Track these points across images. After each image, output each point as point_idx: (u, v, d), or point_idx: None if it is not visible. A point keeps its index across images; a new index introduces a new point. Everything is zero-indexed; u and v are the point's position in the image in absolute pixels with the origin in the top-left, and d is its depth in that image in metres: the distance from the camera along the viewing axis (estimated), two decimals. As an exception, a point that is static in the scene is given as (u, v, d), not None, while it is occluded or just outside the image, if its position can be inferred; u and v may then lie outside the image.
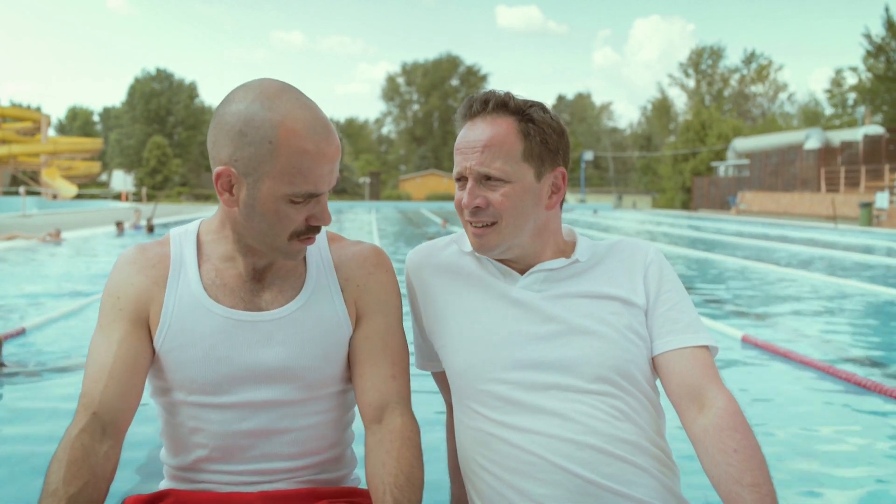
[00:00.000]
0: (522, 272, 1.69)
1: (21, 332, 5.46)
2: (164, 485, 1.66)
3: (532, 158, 1.62)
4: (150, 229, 17.20)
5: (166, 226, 19.64)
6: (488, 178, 1.61)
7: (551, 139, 1.64)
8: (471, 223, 1.65)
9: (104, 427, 1.47)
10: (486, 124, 1.63)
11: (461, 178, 1.66)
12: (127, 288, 1.58)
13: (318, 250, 1.67)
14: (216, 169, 1.47)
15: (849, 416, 3.81)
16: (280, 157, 1.42)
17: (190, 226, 1.67)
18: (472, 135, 1.63)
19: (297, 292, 1.61)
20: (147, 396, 1.64)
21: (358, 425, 1.75)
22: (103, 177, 72.15)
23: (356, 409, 1.74)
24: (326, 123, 1.47)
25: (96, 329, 1.58)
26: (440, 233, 19.66)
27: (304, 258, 1.66)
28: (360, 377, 1.64)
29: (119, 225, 17.57)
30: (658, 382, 1.68)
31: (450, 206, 41.93)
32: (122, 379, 1.51)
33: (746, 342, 5.34)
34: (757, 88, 78.59)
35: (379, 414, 1.60)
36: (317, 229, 1.53)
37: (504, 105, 1.63)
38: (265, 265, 1.61)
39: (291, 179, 1.43)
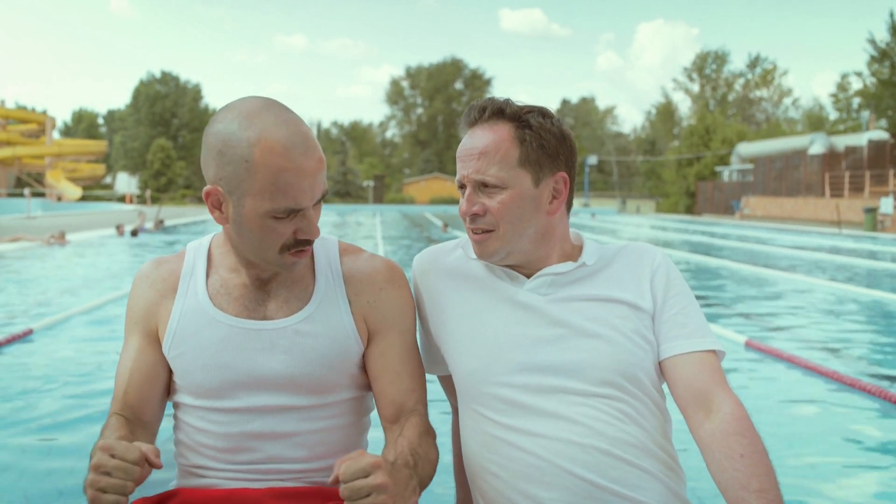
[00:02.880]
0: (529, 276, 1.70)
1: (28, 334, 5.48)
2: (173, 485, 1.69)
3: (529, 164, 1.63)
4: (134, 233, 17.18)
5: (169, 230, 19.68)
6: (485, 185, 1.62)
7: (549, 144, 1.64)
8: (471, 230, 1.67)
9: (132, 425, 1.60)
10: (483, 132, 1.64)
11: (462, 186, 1.68)
12: (139, 302, 1.67)
13: (328, 262, 1.68)
14: (205, 188, 1.51)
15: (852, 422, 3.80)
16: (257, 175, 1.43)
17: (204, 239, 1.73)
18: (470, 143, 1.65)
19: (304, 303, 1.63)
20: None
21: (372, 434, 1.77)
22: (107, 179, 72.27)
23: (370, 416, 1.76)
24: (306, 139, 1.46)
25: (124, 339, 1.69)
26: (442, 236, 19.66)
27: (313, 269, 1.67)
28: (380, 393, 1.68)
29: (119, 228, 17.48)
30: (665, 387, 1.69)
31: (453, 210, 41.92)
32: (140, 387, 1.64)
33: (750, 347, 5.33)
34: (761, 93, 78.58)
35: (397, 417, 1.66)
36: (307, 242, 1.54)
37: (500, 112, 1.65)
38: (270, 275, 1.63)
39: (271, 197, 1.44)
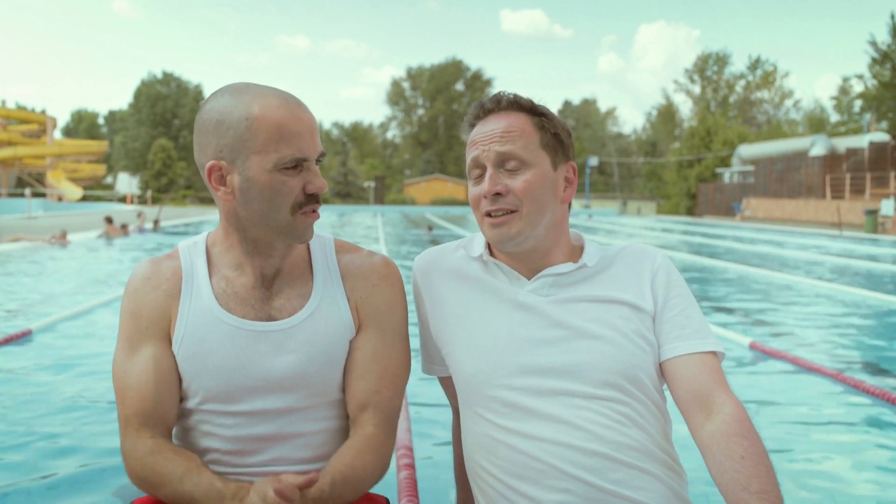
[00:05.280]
0: (530, 276, 1.70)
1: (27, 334, 5.48)
2: None
3: (548, 148, 1.65)
4: (115, 227, 16.99)
5: (175, 234, 19.68)
6: (509, 162, 1.62)
7: (563, 134, 1.68)
8: (490, 213, 1.64)
9: (153, 432, 1.56)
10: (500, 118, 1.66)
11: (478, 168, 1.66)
12: (146, 305, 1.61)
13: (325, 259, 1.69)
14: (207, 165, 1.53)
15: (856, 423, 3.80)
16: (259, 130, 1.48)
17: (198, 238, 1.70)
18: (489, 126, 1.65)
19: (306, 300, 1.63)
20: None
21: None
22: (108, 179, 72.34)
23: None
24: (296, 97, 1.55)
25: (122, 350, 1.62)
26: (442, 238, 19.66)
27: (311, 266, 1.67)
28: (347, 387, 1.66)
29: (110, 226, 17.21)
30: (665, 388, 1.68)
31: (454, 211, 41.94)
32: (168, 396, 1.58)
33: (754, 348, 5.33)
34: (762, 95, 78.62)
35: (355, 418, 1.64)
36: (315, 199, 1.56)
37: (516, 102, 1.67)
38: (274, 272, 1.63)
39: (276, 147, 1.49)
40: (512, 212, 1.63)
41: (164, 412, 1.57)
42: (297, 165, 1.51)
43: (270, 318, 1.60)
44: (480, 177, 1.66)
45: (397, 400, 1.68)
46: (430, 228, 22.87)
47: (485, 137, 1.65)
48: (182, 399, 1.62)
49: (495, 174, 1.63)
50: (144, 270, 1.66)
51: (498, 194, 1.62)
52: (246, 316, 1.59)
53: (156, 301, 1.61)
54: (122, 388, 1.58)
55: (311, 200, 1.55)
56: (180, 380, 1.61)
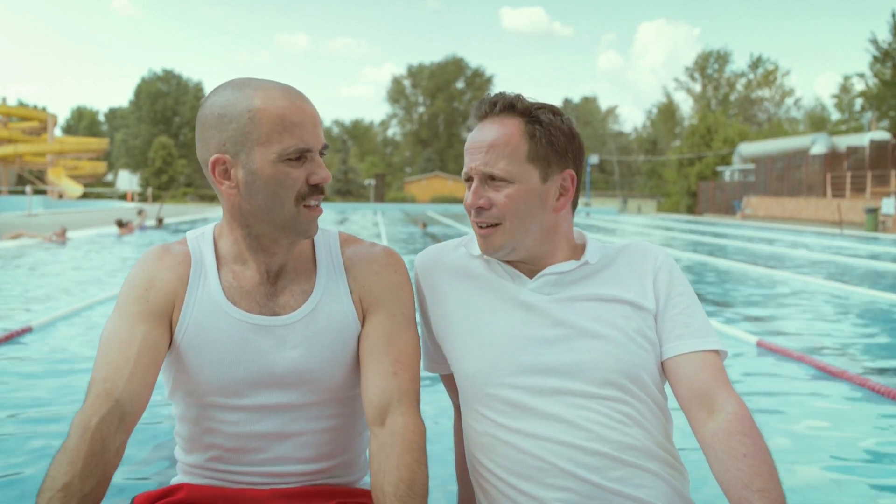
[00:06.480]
0: (532, 275, 1.69)
1: (28, 331, 5.48)
2: (176, 480, 1.67)
3: (537, 160, 1.63)
4: (121, 225, 17.09)
5: (179, 231, 19.67)
6: (493, 178, 1.62)
7: (559, 141, 1.64)
8: (476, 223, 1.66)
9: (122, 417, 1.43)
10: (493, 125, 1.64)
11: (469, 179, 1.66)
12: (156, 282, 1.59)
13: (329, 252, 1.68)
14: (210, 159, 1.51)
15: (862, 421, 3.80)
16: (262, 121, 1.48)
17: (205, 229, 1.69)
18: (479, 136, 1.64)
19: (309, 295, 1.62)
20: (163, 397, 1.66)
21: None
22: (109, 177, 72.34)
23: None
24: (298, 90, 1.55)
25: (116, 317, 1.56)
26: (440, 235, 19.64)
27: (315, 260, 1.66)
28: (363, 376, 1.62)
29: (121, 225, 17.29)
30: (667, 386, 1.68)
31: (454, 209, 41.92)
32: (145, 370, 1.49)
33: (762, 347, 5.34)
34: (763, 93, 78.58)
35: (381, 414, 1.54)
36: (320, 190, 1.55)
37: (511, 106, 1.64)
38: (278, 268, 1.62)
39: (279, 138, 1.48)
40: (496, 225, 1.63)
41: (131, 392, 1.45)
42: (301, 156, 1.50)
43: (275, 314, 1.59)
44: (472, 185, 1.66)
45: (416, 384, 1.62)
46: (424, 226, 22.62)
47: (475, 148, 1.64)
48: (182, 390, 1.62)
49: (480, 188, 1.63)
50: (158, 252, 1.64)
51: (481, 208, 1.63)
52: (251, 310, 1.58)
53: (166, 282, 1.59)
54: (101, 353, 1.51)
55: (314, 191, 1.54)
56: (161, 365, 1.56)
